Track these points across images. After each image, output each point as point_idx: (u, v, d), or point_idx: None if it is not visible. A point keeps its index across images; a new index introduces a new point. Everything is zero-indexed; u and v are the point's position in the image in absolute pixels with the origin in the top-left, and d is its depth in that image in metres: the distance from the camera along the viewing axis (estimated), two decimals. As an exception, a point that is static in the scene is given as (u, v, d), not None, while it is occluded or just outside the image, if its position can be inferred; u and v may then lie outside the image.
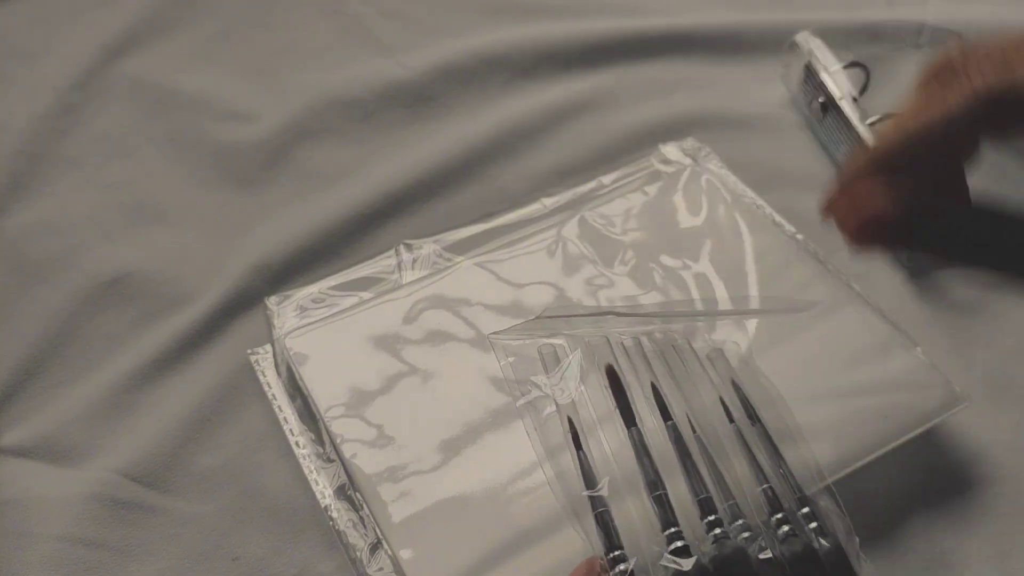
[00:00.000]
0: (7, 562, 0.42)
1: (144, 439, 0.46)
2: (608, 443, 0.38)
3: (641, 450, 0.37)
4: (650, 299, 0.47)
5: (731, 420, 0.39)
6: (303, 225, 0.55)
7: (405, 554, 0.39)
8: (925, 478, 0.44)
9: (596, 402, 0.39)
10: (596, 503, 0.36)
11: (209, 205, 0.58)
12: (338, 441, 0.42)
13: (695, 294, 0.47)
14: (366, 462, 0.41)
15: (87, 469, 0.45)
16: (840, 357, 0.44)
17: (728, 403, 0.40)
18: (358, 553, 0.40)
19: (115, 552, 0.42)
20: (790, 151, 0.61)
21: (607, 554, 0.35)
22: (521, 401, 0.38)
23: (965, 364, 0.49)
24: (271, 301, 0.48)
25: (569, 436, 0.37)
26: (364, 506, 0.40)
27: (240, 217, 0.57)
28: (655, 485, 0.36)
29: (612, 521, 0.35)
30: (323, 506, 0.42)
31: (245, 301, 0.52)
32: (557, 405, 0.38)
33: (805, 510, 0.36)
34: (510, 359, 0.39)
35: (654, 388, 0.39)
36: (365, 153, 0.61)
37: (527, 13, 0.71)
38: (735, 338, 0.44)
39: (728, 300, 0.47)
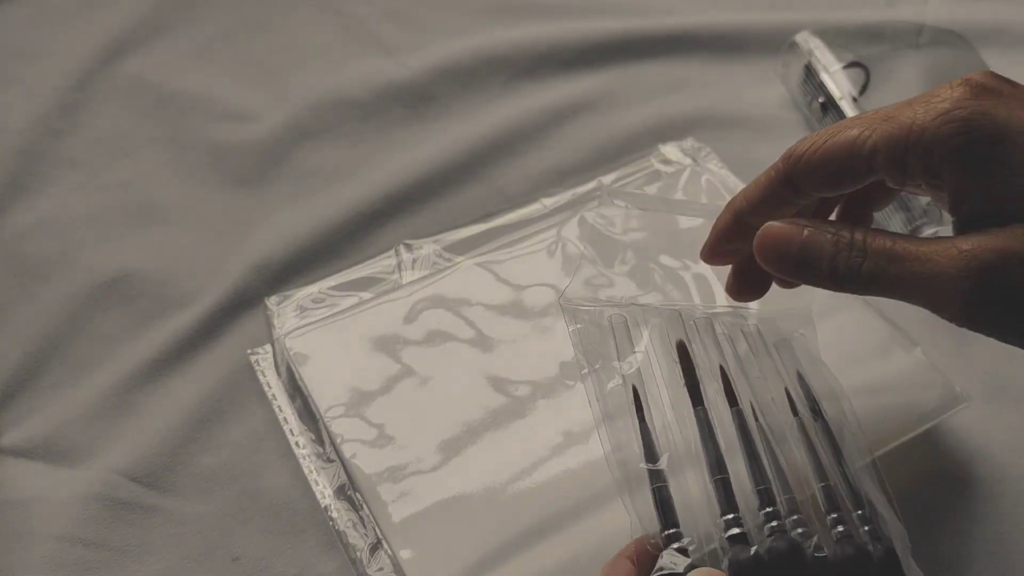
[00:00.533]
0: (7, 562, 0.42)
1: (144, 439, 0.46)
2: (671, 419, 0.37)
3: (707, 431, 0.36)
4: (650, 299, 0.47)
5: (795, 413, 0.38)
6: (303, 225, 0.55)
7: (405, 554, 0.39)
8: (925, 478, 0.44)
9: (662, 376, 0.38)
10: (655, 478, 0.35)
11: (209, 205, 0.58)
12: (338, 441, 0.42)
13: (695, 295, 0.47)
14: (366, 462, 0.41)
15: (87, 469, 0.45)
16: (840, 357, 0.44)
17: (793, 395, 0.39)
18: (358, 553, 0.40)
19: (115, 552, 0.42)
20: (790, 151, 0.61)
21: (663, 531, 0.34)
22: (586, 370, 0.37)
23: (965, 364, 0.49)
24: (271, 301, 0.48)
25: (633, 408, 0.36)
26: (364, 506, 0.40)
27: (240, 217, 0.57)
28: (718, 468, 0.35)
29: (671, 498, 0.34)
30: (323, 506, 0.42)
31: (245, 301, 0.52)
32: (623, 377, 0.37)
33: (860, 512, 0.36)
34: (578, 326, 0.38)
35: (722, 371, 0.38)
36: (365, 153, 0.61)
37: (527, 13, 0.71)
38: (802, 330, 0.43)
39: (727, 300, 0.47)
